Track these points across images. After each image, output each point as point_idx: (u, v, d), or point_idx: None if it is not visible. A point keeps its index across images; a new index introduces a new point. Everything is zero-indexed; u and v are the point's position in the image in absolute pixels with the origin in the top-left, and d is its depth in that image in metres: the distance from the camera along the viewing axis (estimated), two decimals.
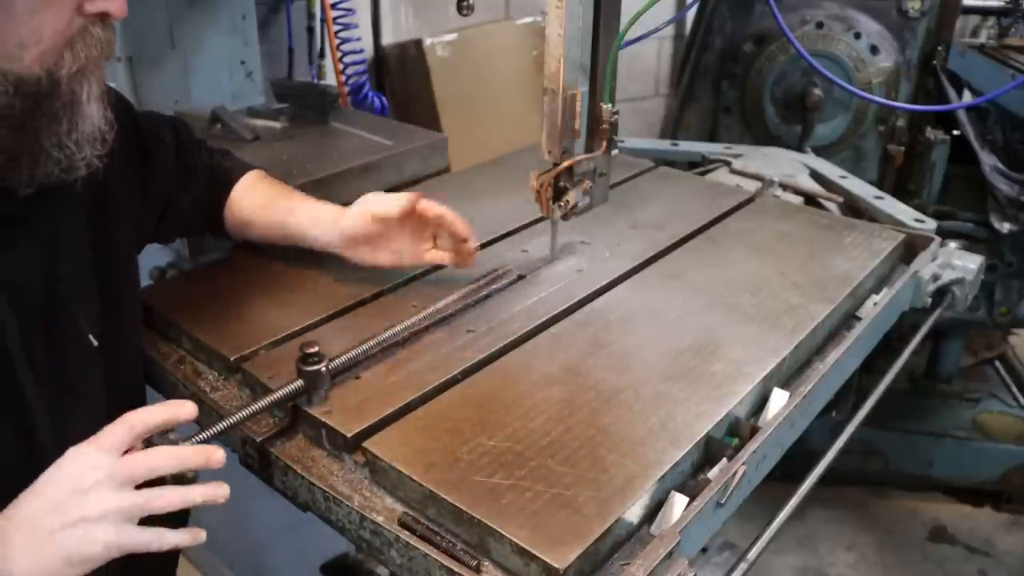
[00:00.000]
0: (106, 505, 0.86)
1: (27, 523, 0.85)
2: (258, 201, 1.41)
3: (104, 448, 0.88)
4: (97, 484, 0.86)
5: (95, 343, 1.09)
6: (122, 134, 1.22)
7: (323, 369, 1.08)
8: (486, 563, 0.90)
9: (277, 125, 2.07)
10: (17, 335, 0.98)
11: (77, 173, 0.99)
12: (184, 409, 0.95)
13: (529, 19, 3.47)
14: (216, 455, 0.93)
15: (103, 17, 0.95)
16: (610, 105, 1.29)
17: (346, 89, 2.86)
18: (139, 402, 1.21)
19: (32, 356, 1.00)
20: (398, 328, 1.22)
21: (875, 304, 1.43)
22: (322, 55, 2.91)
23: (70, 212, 1.08)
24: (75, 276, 1.08)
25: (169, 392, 1.28)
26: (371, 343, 1.18)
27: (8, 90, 0.89)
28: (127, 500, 0.87)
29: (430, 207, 1.32)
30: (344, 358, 1.13)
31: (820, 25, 2.71)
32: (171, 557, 1.37)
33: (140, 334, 1.27)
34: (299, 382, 1.07)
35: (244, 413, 1.04)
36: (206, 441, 0.98)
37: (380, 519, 0.97)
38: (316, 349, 1.08)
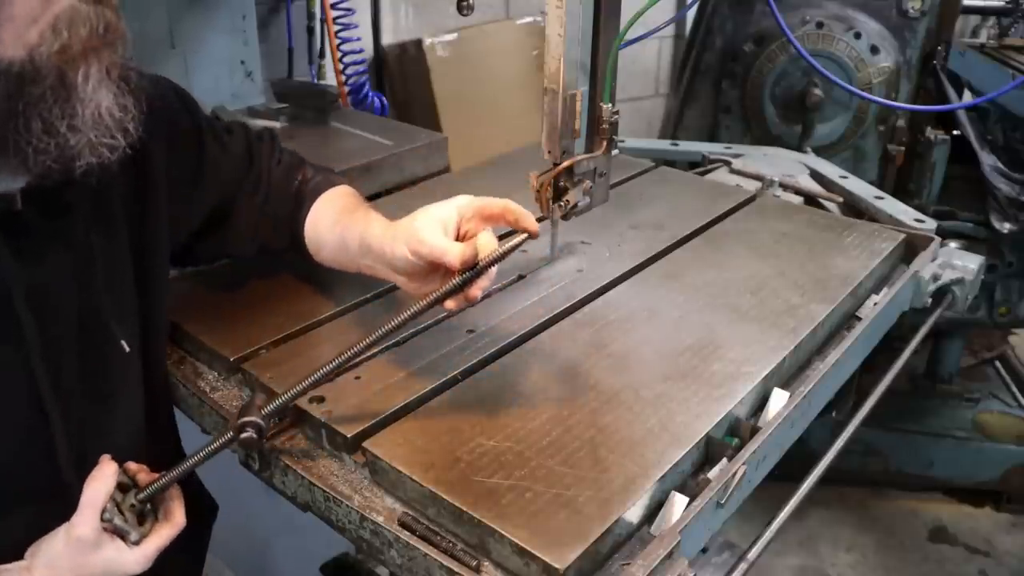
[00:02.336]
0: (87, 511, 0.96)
1: None
2: (330, 217, 1.25)
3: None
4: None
5: (127, 349, 1.08)
6: (176, 128, 1.18)
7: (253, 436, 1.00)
8: (486, 563, 0.90)
9: (277, 125, 2.07)
10: (40, 351, 0.97)
11: (80, 161, 0.91)
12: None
13: (529, 19, 3.47)
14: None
15: None
16: (610, 105, 1.29)
17: (346, 89, 2.86)
18: (171, 407, 1.24)
19: (57, 370, 0.99)
20: (394, 324, 1.17)
21: (875, 304, 1.43)
22: (322, 55, 2.91)
23: (111, 222, 1.05)
24: (111, 281, 1.06)
25: (169, 392, 1.28)
26: (362, 344, 1.08)
27: None
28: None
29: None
30: (317, 374, 1.03)
31: (820, 25, 2.71)
32: (199, 556, 1.37)
33: (166, 342, 1.25)
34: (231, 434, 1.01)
35: (200, 455, 1.02)
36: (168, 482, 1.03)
37: (380, 519, 0.97)
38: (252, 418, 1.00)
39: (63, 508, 0.98)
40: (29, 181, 0.93)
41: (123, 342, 1.07)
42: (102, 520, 0.97)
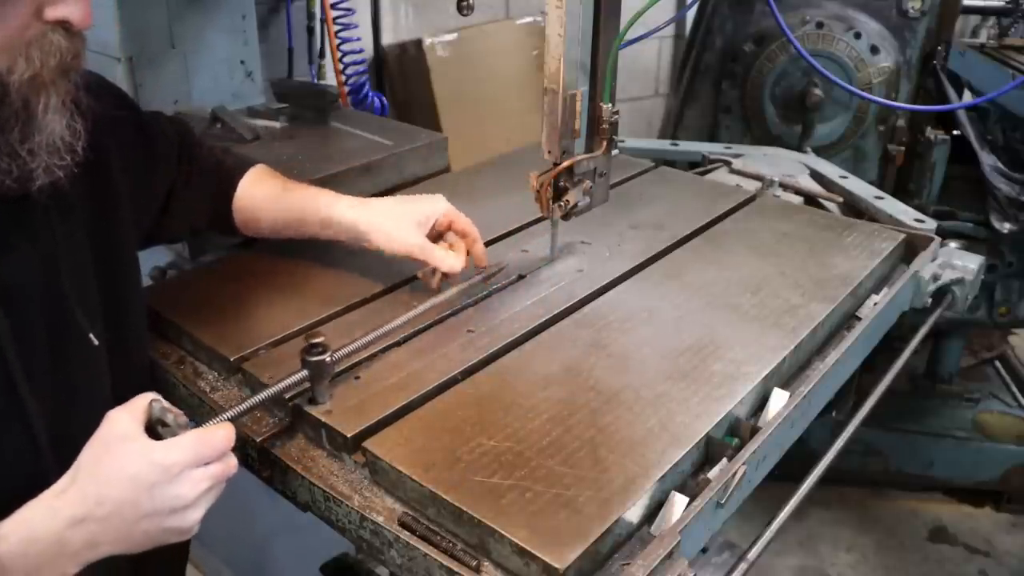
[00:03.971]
0: (202, 486, 0.90)
1: (123, 509, 0.88)
2: (270, 191, 1.40)
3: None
4: (187, 467, 0.90)
5: (95, 342, 1.09)
6: (122, 129, 1.22)
7: (328, 359, 1.07)
8: (486, 563, 0.90)
9: (277, 125, 2.07)
10: (11, 338, 0.97)
11: (35, 183, 0.96)
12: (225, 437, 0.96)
13: (529, 19, 3.47)
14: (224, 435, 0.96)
15: (64, 25, 0.91)
16: (610, 105, 1.29)
17: (346, 89, 2.87)
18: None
19: (29, 358, 1.00)
20: (399, 320, 1.21)
21: (875, 304, 1.43)
22: (322, 55, 2.92)
23: (69, 212, 1.07)
24: (75, 276, 1.08)
25: (169, 392, 1.28)
26: (374, 335, 1.17)
27: None
28: (216, 474, 0.92)
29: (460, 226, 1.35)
30: (347, 349, 1.13)
31: (820, 25, 2.71)
32: (181, 554, 1.37)
33: (146, 337, 1.26)
34: (304, 372, 1.06)
35: (250, 403, 1.03)
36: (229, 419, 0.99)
37: (380, 519, 0.97)
38: (322, 339, 1.07)
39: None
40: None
41: (91, 335, 1.08)
42: (150, 411, 0.91)
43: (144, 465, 0.88)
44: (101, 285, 1.12)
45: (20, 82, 0.89)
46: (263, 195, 1.40)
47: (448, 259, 1.31)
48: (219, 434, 0.93)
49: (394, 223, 1.32)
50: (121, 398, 1.10)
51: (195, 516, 0.91)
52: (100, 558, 0.90)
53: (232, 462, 0.95)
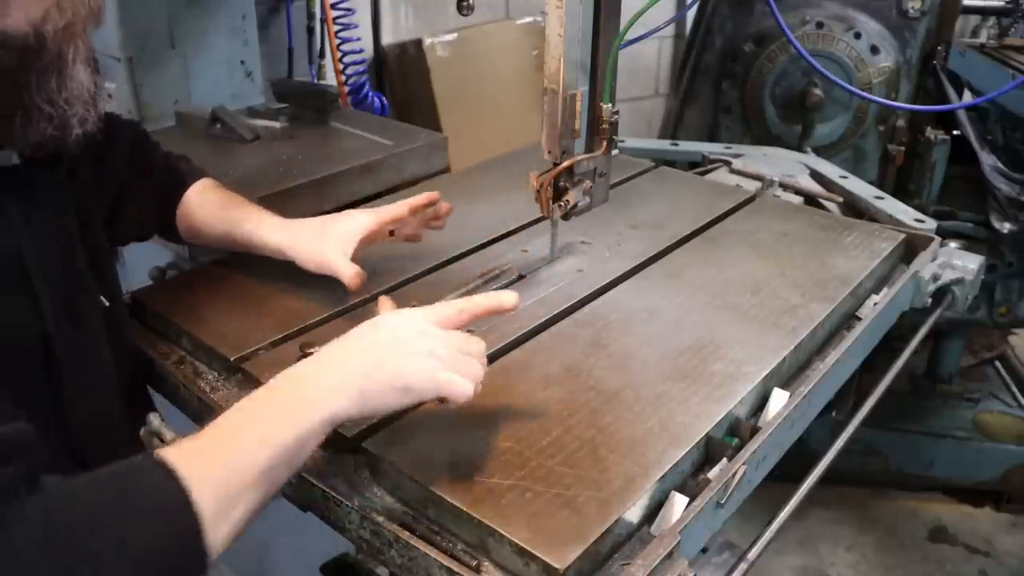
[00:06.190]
0: (434, 343, 0.95)
1: (368, 348, 0.94)
2: (209, 206, 1.40)
3: (428, 314, 0.99)
4: (424, 329, 0.96)
5: (106, 303, 1.13)
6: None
7: None
8: (486, 563, 0.90)
9: (277, 125, 2.08)
10: (50, 300, 1.00)
11: (72, 131, 0.99)
12: (509, 299, 1.05)
13: (529, 19, 3.47)
14: (508, 299, 1.05)
15: None
16: (610, 105, 1.29)
17: (346, 89, 2.87)
18: (132, 367, 1.26)
19: (58, 318, 1.02)
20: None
21: (875, 304, 1.43)
22: (322, 55, 2.92)
23: (60, 185, 1.09)
24: (80, 239, 1.11)
25: (169, 392, 1.28)
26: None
27: None
28: (449, 340, 0.96)
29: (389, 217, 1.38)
30: None
31: (820, 25, 2.71)
32: None
33: (122, 297, 1.28)
34: None
35: None
36: None
37: (380, 519, 0.97)
38: (316, 349, 1.07)
39: (68, 454, 1.02)
40: (29, 149, 0.99)
41: (102, 297, 1.13)
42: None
43: (385, 320, 0.99)
44: (87, 248, 1.15)
45: (55, 31, 0.93)
46: (204, 208, 1.41)
47: (349, 274, 1.30)
48: (453, 314, 1.01)
49: (315, 240, 1.33)
50: (120, 360, 1.15)
51: (427, 365, 0.93)
52: (339, 412, 0.90)
53: (477, 346, 1.00)
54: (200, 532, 0.78)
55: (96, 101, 1.02)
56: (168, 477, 0.78)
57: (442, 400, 0.95)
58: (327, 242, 1.33)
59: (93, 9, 0.97)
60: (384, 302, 1.13)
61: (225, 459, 0.83)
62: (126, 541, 0.75)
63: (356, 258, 1.32)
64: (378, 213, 1.37)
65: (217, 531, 0.80)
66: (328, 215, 1.40)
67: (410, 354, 0.93)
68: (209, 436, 0.85)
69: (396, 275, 1.41)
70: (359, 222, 1.35)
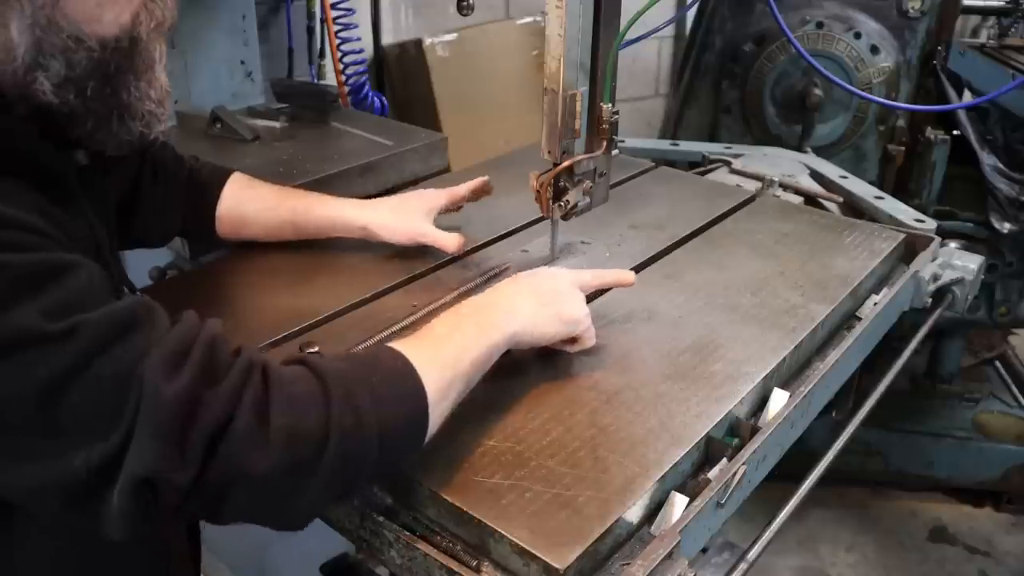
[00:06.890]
0: (579, 295, 1.16)
1: (535, 287, 1.13)
2: (262, 197, 1.44)
3: (572, 276, 1.18)
4: (573, 282, 1.17)
5: (137, 291, 1.15)
6: None
7: None
8: (486, 563, 0.90)
9: (277, 125, 2.07)
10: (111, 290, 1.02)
11: (155, 128, 1.02)
12: (629, 277, 1.27)
13: (529, 19, 3.47)
14: (628, 276, 1.27)
15: None
16: (610, 105, 1.29)
17: (346, 89, 2.86)
18: None
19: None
20: (396, 328, 1.22)
21: (875, 304, 1.43)
22: (322, 55, 2.91)
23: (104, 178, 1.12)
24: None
25: None
26: (377, 337, 1.17)
27: (93, 48, 0.90)
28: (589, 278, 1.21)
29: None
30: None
31: (820, 25, 2.71)
32: (194, 562, 1.37)
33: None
34: None
35: None
36: None
37: (380, 519, 0.97)
38: (316, 349, 1.07)
39: None
40: (114, 149, 1.01)
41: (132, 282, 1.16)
42: None
43: (563, 271, 1.19)
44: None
45: (148, 32, 0.97)
46: (256, 200, 1.44)
47: (451, 240, 1.43)
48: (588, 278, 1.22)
49: (398, 215, 1.45)
50: None
51: (580, 303, 1.16)
52: (519, 332, 1.07)
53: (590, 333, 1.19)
54: (427, 408, 0.91)
55: (169, 99, 1.05)
56: (399, 358, 0.92)
57: (573, 340, 1.16)
58: (412, 216, 1.44)
59: (173, 11, 1.02)
60: None
61: (440, 353, 0.96)
62: (381, 399, 0.87)
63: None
64: (449, 192, 1.50)
65: (436, 410, 0.92)
66: (396, 194, 1.57)
67: (569, 296, 1.14)
68: (423, 336, 0.99)
69: (396, 274, 1.41)
70: (435, 198, 1.48)
